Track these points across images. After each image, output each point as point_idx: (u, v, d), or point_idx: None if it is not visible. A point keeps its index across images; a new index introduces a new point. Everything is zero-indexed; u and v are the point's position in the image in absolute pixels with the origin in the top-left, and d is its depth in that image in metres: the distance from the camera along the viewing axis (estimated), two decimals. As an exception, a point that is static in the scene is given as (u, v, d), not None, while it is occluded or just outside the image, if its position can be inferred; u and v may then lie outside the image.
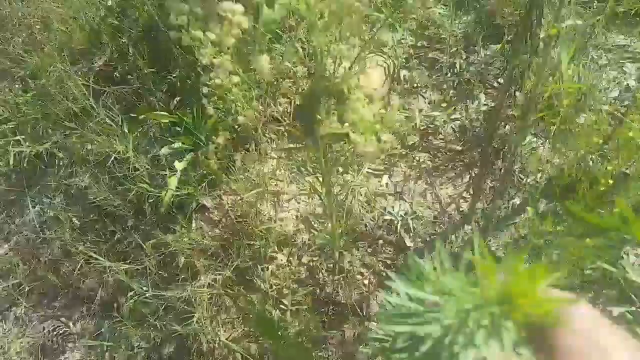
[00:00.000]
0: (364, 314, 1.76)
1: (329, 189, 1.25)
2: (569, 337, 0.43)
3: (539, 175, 1.84)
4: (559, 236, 1.46)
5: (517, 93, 1.60)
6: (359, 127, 0.67)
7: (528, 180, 1.84)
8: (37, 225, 2.13)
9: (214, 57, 0.81)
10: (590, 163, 1.76)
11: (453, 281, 0.37)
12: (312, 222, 1.88)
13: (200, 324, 1.75)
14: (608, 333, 0.41)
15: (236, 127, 2.01)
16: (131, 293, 1.82)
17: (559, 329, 0.44)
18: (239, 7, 0.70)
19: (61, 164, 2.21)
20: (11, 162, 2.18)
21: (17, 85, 2.45)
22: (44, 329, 1.94)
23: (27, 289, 2.00)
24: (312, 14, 0.76)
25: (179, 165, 1.91)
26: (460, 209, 1.87)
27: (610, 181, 1.49)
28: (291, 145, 2.01)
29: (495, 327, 0.34)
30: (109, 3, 2.32)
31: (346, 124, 0.73)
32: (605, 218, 1.11)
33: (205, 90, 1.27)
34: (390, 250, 1.84)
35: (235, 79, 0.86)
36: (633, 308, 1.21)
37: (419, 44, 2.13)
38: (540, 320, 0.38)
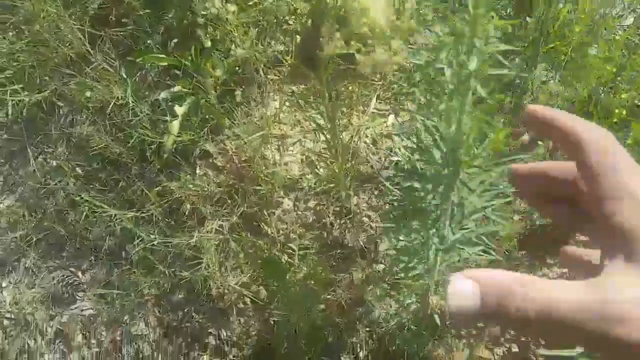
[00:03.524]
0: (371, 256, 1.75)
1: (334, 124, 1.21)
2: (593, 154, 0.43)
3: (551, 109, 1.77)
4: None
5: (528, 19, 1.51)
6: (370, 37, 0.62)
7: (539, 116, 1.78)
8: (41, 176, 2.11)
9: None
10: (602, 95, 1.69)
11: None
12: (317, 164, 1.85)
13: (209, 270, 1.75)
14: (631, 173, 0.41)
15: (237, 68, 1.95)
16: (138, 241, 1.81)
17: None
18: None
19: (61, 112, 2.17)
20: (10, 112, 2.14)
21: (10, 33, 2.38)
22: (53, 279, 1.95)
23: (34, 239, 1.99)
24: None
25: (179, 110, 1.86)
26: (469, 148, 1.82)
27: (624, 112, 1.43)
28: (293, 87, 1.95)
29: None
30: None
31: (352, 43, 0.68)
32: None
33: (201, 20, 1.20)
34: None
35: (232, 7, 0.81)
36: None
37: (424, -25, 2.03)
38: None
